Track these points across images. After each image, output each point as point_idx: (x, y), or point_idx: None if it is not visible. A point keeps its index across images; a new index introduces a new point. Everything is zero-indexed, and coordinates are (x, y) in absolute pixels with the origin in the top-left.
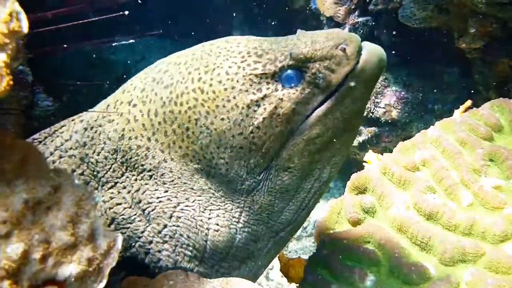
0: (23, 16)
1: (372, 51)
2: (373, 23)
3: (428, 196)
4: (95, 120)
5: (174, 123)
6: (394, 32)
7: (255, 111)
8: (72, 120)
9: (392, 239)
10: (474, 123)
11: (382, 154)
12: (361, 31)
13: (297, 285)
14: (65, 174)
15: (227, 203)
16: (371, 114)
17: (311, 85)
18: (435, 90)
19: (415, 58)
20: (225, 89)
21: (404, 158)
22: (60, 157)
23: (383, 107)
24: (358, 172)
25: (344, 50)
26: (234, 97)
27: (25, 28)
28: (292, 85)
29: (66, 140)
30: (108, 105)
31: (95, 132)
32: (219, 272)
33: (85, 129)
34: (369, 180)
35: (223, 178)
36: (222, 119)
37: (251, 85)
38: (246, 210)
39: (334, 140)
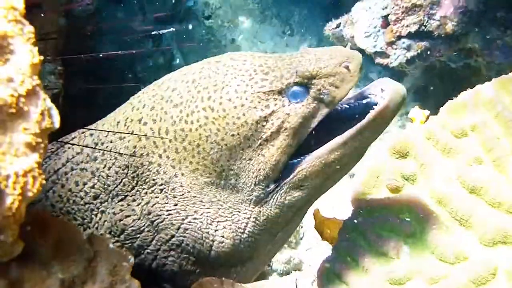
0: (54, 112)
1: (396, 90)
2: None
3: (474, 168)
4: (106, 136)
5: (185, 140)
6: None
7: (263, 126)
8: (83, 132)
9: (431, 212)
10: None
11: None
12: None
13: (331, 245)
14: (99, 240)
15: (234, 214)
16: (423, 28)
17: (316, 100)
18: None
19: None
20: (235, 107)
21: (452, 122)
22: (72, 169)
23: (438, 20)
24: (401, 134)
25: (347, 67)
26: (243, 114)
27: (57, 124)
28: (298, 100)
29: (78, 153)
30: (118, 122)
31: (106, 147)
32: (219, 271)
33: (96, 143)
34: (412, 145)
35: (233, 189)
36: (233, 135)
37: (259, 102)
38: (252, 221)
39: (349, 164)
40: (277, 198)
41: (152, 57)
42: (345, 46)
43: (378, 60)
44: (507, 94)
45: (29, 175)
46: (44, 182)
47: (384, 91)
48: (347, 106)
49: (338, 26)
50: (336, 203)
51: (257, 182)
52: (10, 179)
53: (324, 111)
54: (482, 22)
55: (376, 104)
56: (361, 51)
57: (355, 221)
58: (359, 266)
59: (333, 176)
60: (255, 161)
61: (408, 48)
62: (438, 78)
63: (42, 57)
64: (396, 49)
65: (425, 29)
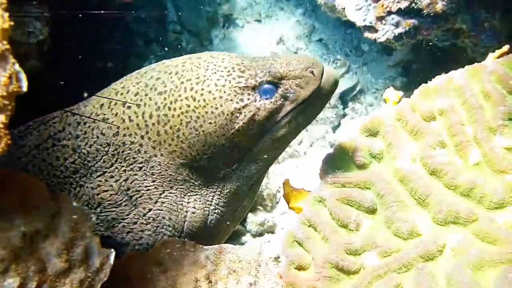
0: (22, 75)
1: (330, 73)
2: None
3: (436, 152)
4: (89, 116)
5: (167, 124)
6: None
7: (237, 117)
8: (65, 112)
9: (392, 190)
10: (505, 74)
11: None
12: None
13: (297, 214)
14: (63, 198)
15: (203, 189)
16: (413, 5)
17: (283, 98)
18: None
19: None
20: (214, 98)
21: (423, 105)
22: (54, 145)
23: None
24: (373, 113)
25: (312, 72)
26: (221, 105)
27: (25, 87)
28: (268, 96)
29: (59, 131)
30: (102, 105)
31: (89, 127)
32: None
33: (78, 123)
34: (382, 124)
35: (204, 170)
36: (210, 123)
37: (235, 96)
38: (217, 194)
39: (294, 137)
40: (237, 173)
41: (145, 9)
42: (336, 17)
43: (367, 34)
44: (477, 82)
45: None
46: (9, 142)
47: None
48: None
49: None
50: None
51: (224, 163)
52: None
53: (287, 108)
54: (472, 4)
55: None
56: (351, 23)
57: (321, 193)
58: (320, 235)
59: (278, 149)
60: (226, 147)
61: (396, 25)
62: (424, 56)
63: (12, 23)
64: (385, 24)
65: (415, 7)
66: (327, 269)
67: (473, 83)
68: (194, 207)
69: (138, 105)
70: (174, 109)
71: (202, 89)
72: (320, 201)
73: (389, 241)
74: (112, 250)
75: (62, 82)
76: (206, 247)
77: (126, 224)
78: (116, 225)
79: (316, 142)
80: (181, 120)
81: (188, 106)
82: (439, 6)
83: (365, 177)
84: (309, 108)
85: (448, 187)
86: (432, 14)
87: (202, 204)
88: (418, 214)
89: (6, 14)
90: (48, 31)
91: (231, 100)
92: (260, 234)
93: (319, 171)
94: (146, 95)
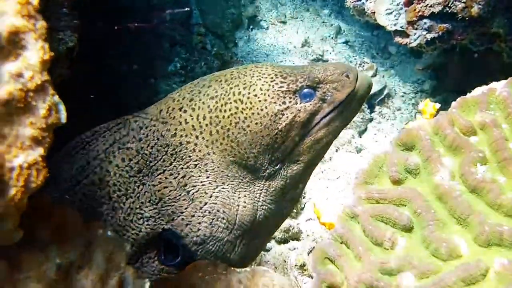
0: (62, 106)
1: (364, 78)
2: None
3: (478, 169)
4: (150, 121)
5: (218, 125)
6: None
7: (280, 118)
8: (127, 119)
9: (430, 208)
10: None
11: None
12: None
13: (328, 230)
14: (97, 227)
15: (251, 186)
16: (447, 9)
17: (321, 101)
18: None
19: None
20: (259, 101)
21: (462, 118)
22: (119, 148)
23: (464, 2)
24: (409, 125)
25: (347, 76)
26: (265, 107)
27: (64, 119)
28: (308, 99)
29: (124, 136)
30: (161, 110)
31: (150, 130)
32: (242, 243)
33: (141, 127)
34: (419, 138)
35: (251, 168)
36: (256, 123)
37: (278, 99)
38: (264, 191)
39: (333, 139)
40: (281, 172)
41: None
42: (365, 20)
43: (397, 39)
44: None
45: (33, 168)
46: (47, 175)
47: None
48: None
49: None
50: (340, 176)
51: (269, 162)
52: (14, 172)
53: (326, 110)
54: (509, 7)
55: None
56: (381, 28)
57: (354, 209)
58: (353, 252)
59: (320, 151)
60: (270, 146)
61: (429, 29)
62: (456, 60)
63: (52, 54)
64: (417, 29)
65: (449, 11)
66: None
67: None
68: (245, 202)
69: (193, 109)
70: (225, 111)
71: (249, 93)
72: (353, 217)
73: (427, 262)
74: (147, 280)
75: (92, 95)
76: (238, 269)
77: (184, 217)
78: (175, 218)
79: (342, 147)
80: (231, 121)
81: (237, 108)
82: (475, 10)
83: (401, 193)
84: (345, 110)
85: (490, 206)
86: (467, 18)
87: (251, 199)
88: (458, 234)
89: (47, 45)
90: (77, 38)
91: (274, 102)
92: (285, 241)
93: (352, 186)
94: (200, 100)
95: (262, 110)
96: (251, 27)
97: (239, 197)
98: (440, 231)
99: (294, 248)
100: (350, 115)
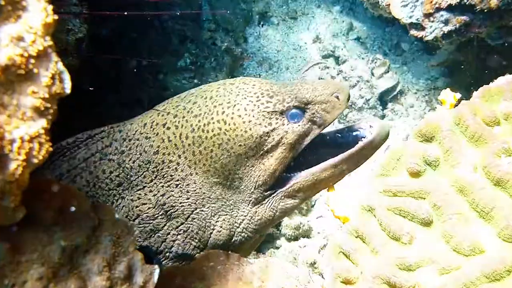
0: (66, 75)
1: (382, 128)
2: None
3: (502, 160)
4: (134, 134)
5: (201, 145)
6: None
7: (266, 139)
8: (111, 127)
9: (451, 201)
10: None
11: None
12: None
13: (343, 223)
14: (105, 209)
15: (234, 210)
16: (465, 1)
17: (310, 122)
18: None
19: None
20: (243, 122)
21: (485, 108)
22: (101, 159)
23: None
24: (428, 116)
25: (337, 97)
26: (250, 129)
27: (68, 89)
28: (296, 120)
29: (107, 146)
30: (145, 124)
31: (133, 144)
32: None
33: (124, 139)
34: (439, 129)
35: (236, 190)
36: (240, 145)
37: (263, 120)
38: (248, 218)
39: (333, 182)
40: (272, 202)
41: (180, 6)
42: (379, 14)
43: (413, 32)
44: None
45: (35, 141)
46: (51, 149)
47: (372, 127)
48: (340, 135)
49: None
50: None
51: (256, 186)
52: (15, 144)
53: (315, 132)
54: None
55: (364, 137)
56: (391, 21)
57: (370, 201)
58: (369, 247)
59: (318, 189)
60: (256, 168)
61: (446, 22)
62: (473, 54)
63: (56, 17)
64: (433, 21)
65: (467, 3)
66: (377, 285)
67: None
68: (221, 227)
69: (176, 126)
70: (207, 131)
71: (233, 113)
72: (369, 210)
73: (448, 257)
74: (156, 266)
75: (91, 88)
76: (251, 260)
77: (160, 235)
78: (152, 235)
79: None
80: (213, 142)
81: (220, 128)
82: (494, 2)
83: (420, 185)
84: (355, 157)
85: None
86: (485, 10)
87: (229, 225)
88: (481, 228)
89: (50, 7)
90: (86, 29)
91: (259, 124)
92: (295, 238)
93: (369, 178)
94: (183, 117)
95: (246, 132)
96: (261, 23)
97: (216, 221)
98: (462, 225)
99: (305, 246)
100: (359, 161)
